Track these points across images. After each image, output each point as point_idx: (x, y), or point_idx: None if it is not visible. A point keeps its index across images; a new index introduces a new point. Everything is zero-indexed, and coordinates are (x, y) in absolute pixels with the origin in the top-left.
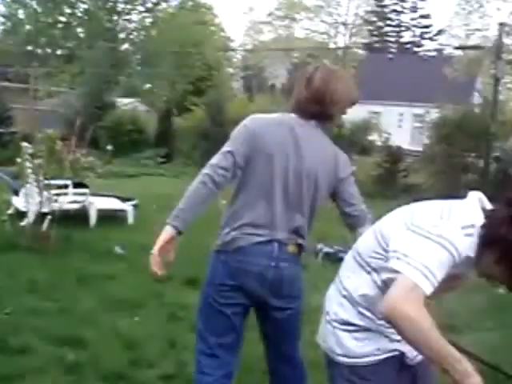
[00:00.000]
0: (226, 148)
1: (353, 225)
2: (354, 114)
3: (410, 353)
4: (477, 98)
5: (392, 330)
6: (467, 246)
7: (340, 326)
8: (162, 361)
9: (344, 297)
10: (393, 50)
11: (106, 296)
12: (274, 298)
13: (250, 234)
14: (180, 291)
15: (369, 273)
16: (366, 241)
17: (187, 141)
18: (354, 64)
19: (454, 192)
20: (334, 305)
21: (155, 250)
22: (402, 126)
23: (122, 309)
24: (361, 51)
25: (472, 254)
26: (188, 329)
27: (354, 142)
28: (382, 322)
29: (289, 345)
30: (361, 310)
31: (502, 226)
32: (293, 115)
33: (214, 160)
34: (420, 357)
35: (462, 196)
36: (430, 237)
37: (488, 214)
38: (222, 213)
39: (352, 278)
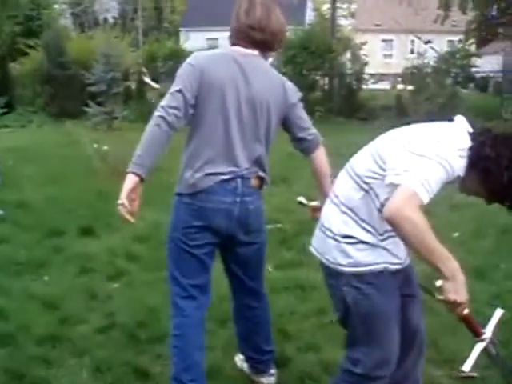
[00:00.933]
0: (174, 87)
1: (307, 149)
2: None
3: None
4: (309, 18)
5: (392, 246)
6: (460, 166)
7: (345, 240)
8: (90, 314)
9: (345, 214)
10: None
11: (4, 262)
12: (242, 233)
13: (213, 173)
14: (79, 243)
15: (367, 191)
16: (363, 161)
17: (29, 87)
18: None
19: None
20: (336, 221)
21: (123, 199)
22: None
23: (27, 271)
24: None
25: (462, 173)
26: (103, 278)
27: None
28: (383, 238)
29: (255, 280)
30: (365, 226)
31: (485, 147)
32: (234, 47)
33: (164, 101)
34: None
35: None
36: (429, 156)
37: (473, 137)
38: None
39: (351, 197)
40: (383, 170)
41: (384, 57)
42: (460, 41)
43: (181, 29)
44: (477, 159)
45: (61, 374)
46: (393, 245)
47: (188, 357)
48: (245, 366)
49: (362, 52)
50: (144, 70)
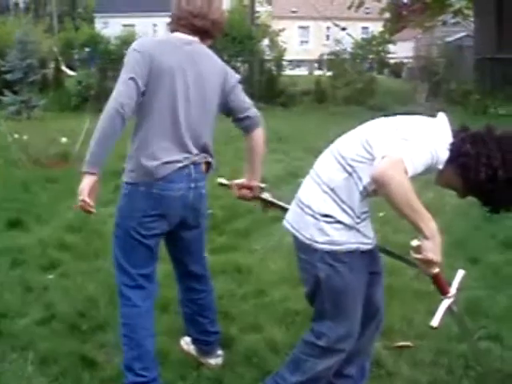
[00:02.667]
0: (124, 76)
1: (249, 127)
2: (111, 29)
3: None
4: (226, 3)
5: (365, 228)
6: (444, 158)
7: (323, 219)
8: (29, 307)
9: (326, 193)
10: None
11: None
12: (192, 218)
13: (170, 161)
14: (8, 236)
15: (350, 174)
16: (350, 144)
17: None
18: None
19: None
20: (317, 200)
21: (84, 197)
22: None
23: None
24: None
25: (441, 166)
26: (37, 270)
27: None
28: (359, 220)
29: (199, 263)
30: (344, 207)
31: (466, 144)
32: (176, 34)
33: (117, 92)
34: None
35: None
36: (417, 140)
37: (455, 134)
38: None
39: (334, 178)
40: (370, 154)
41: (301, 43)
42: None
43: (95, 14)
44: (457, 154)
45: (5, 368)
46: (365, 227)
47: (138, 345)
48: (191, 349)
49: (279, 38)
50: (59, 57)
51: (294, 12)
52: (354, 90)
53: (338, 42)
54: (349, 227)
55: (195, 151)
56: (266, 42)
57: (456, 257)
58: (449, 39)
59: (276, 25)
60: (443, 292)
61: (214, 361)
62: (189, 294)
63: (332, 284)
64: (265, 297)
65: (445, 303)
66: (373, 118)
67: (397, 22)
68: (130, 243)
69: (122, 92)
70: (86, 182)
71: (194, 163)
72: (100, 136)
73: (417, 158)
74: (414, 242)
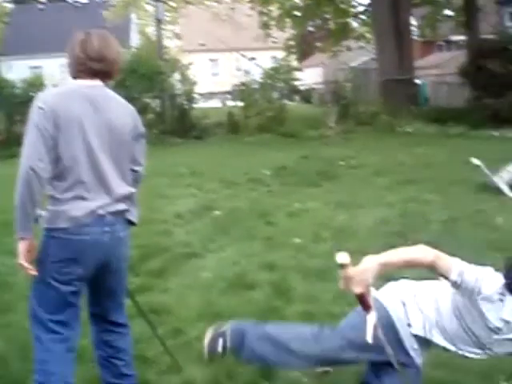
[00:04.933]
0: (30, 136)
1: (135, 180)
2: (16, 72)
3: None
4: (134, 40)
5: None
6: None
7: None
8: None
9: None
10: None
11: None
12: (112, 262)
13: (85, 207)
14: None
15: None
16: None
17: None
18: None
19: None
20: None
21: (23, 261)
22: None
23: None
24: (8, 4)
25: None
26: None
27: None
28: None
29: (117, 308)
30: None
31: None
32: (78, 81)
33: (25, 156)
34: None
35: None
36: None
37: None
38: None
39: None
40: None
41: (212, 75)
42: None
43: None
44: None
45: None
46: None
47: None
48: None
49: (190, 72)
50: None
51: (202, 45)
52: (266, 118)
53: (246, 72)
54: None
55: (114, 197)
56: (176, 76)
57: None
58: (354, 64)
59: (186, 59)
60: (365, 308)
61: None
62: (104, 335)
63: None
64: (183, 336)
65: (370, 319)
66: (285, 145)
67: (303, 50)
68: (45, 289)
69: (30, 155)
70: (21, 247)
71: (112, 208)
72: (19, 202)
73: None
74: (340, 259)
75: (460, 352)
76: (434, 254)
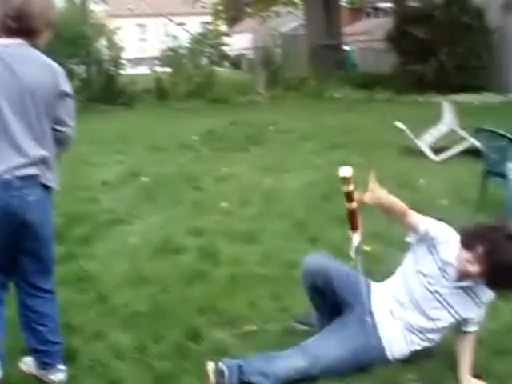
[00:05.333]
0: None
1: (60, 141)
2: None
3: None
4: (58, 3)
5: None
6: None
7: None
8: None
9: None
10: None
11: None
12: (27, 227)
13: None
14: None
15: None
16: None
17: None
18: None
19: None
20: None
21: None
22: None
23: None
24: None
25: None
26: None
27: None
28: None
29: (45, 278)
30: None
31: None
32: None
33: None
34: None
35: None
36: None
37: None
38: None
39: None
40: None
41: (140, 41)
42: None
43: None
44: None
45: None
46: None
47: None
48: (32, 368)
49: (117, 37)
50: None
51: (130, 10)
52: (195, 84)
53: (174, 37)
54: None
55: (22, 161)
56: (102, 41)
57: (296, 238)
58: (283, 29)
59: (113, 24)
60: (354, 227)
61: (56, 377)
62: (28, 300)
63: None
64: (108, 303)
65: (355, 238)
66: (214, 111)
67: (232, 15)
68: None
69: None
70: None
71: (19, 173)
72: None
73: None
74: (343, 172)
75: (433, 325)
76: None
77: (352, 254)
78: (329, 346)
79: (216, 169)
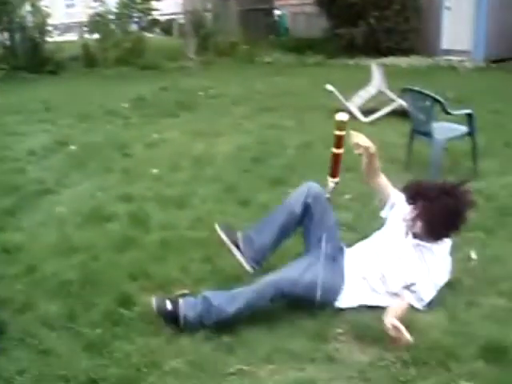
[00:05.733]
0: None
1: None
2: None
3: None
4: None
5: None
6: None
7: None
8: None
9: None
10: None
11: None
12: None
13: None
14: None
15: None
16: None
17: None
18: None
19: None
20: None
21: None
22: None
23: None
24: None
25: None
26: None
27: None
28: None
29: None
30: None
31: None
32: None
33: None
34: None
35: None
36: None
37: None
38: None
39: None
40: None
41: (67, 7)
42: None
43: None
44: None
45: None
46: None
47: None
48: None
49: (42, 3)
50: None
51: None
52: (124, 50)
53: (102, 2)
54: None
55: None
56: (26, 7)
57: (227, 202)
58: None
59: None
60: (334, 174)
61: None
62: None
63: None
64: (36, 273)
65: (331, 184)
66: (144, 77)
67: None
68: None
69: None
70: None
71: None
72: None
73: None
74: (340, 116)
75: (387, 287)
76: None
77: (327, 194)
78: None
79: (146, 135)
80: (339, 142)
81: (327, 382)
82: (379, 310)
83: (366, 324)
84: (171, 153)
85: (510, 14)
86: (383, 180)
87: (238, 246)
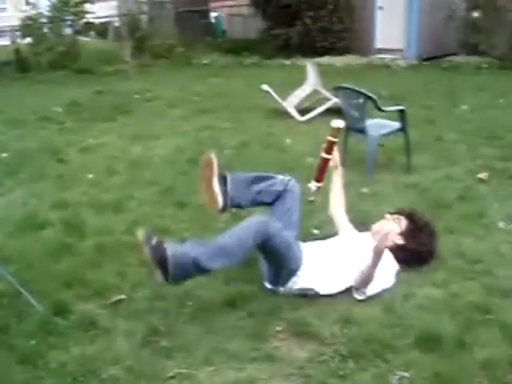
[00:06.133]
0: None
1: None
2: None
3: None
4: None
5: None
6: None
7: None
8: None
9: None
10: None
11: None
12: None
13: None
14: None
15: None
16: None
17: None
18: None
19: None
20: None
21: None
22: None
23: None
24: None
25: None
26: None
27: None
28: None
29: None
30: None
31: None
32: None
33: None
34: None
35: None
36: None
37: None
38: None
39: None
40: None
41: None
42: None
43: None
44: None
45: None
46: None
47: None
48: None
49: None
50: None
51: None
52: (57, 54)
53: (33, 5)
54: None
55: None
56: None
57: (164, 204)
58: None
59: None
60: (318, 179)
61: None
62: None
63: None
64: None
65: (313, 187)
66: (79, 81)
67: None
68: None
69: None
70: None
71: None
72: None
73: None
74: (336, 123)
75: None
76: None
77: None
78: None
79: (81, 140)
80: (330, 147)
81: (267, 381)
82: (317, 305)
83: (305, 320)
84: (107, 157)
85: (440, 12)
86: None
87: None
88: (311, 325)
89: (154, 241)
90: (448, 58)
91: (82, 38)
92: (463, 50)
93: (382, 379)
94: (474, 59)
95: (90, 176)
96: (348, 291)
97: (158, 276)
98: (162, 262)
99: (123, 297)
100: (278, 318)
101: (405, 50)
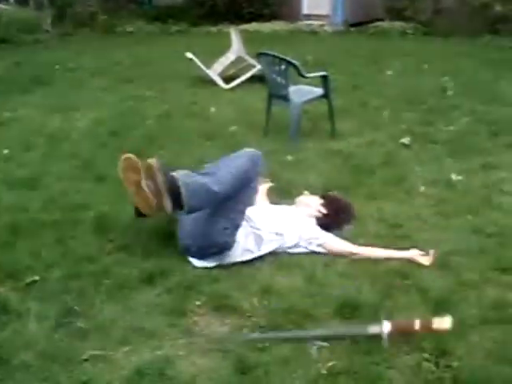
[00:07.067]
0: None
1: None
2: None
3: None
4: None
5: None
6: None
7: None
8: None
9: None
10: None
11: None
12: None
13: None
14: None
15: None
16: None
17: None
18: None
19: None
20: None
21: None
22: None
23: None
24: None
25: None
26: None
27: None
28: None
29: None
30: None
31: None
32: None
33: None
34: None
35: None
36: None
37: None
38: None
39: None
40: None
41: None
42: None
43: None
44: None
45: None
46: None
47: None
48: None
49: None
50: None
51: None
52: None
53: None
54: None
55: None
56: None
57: (83, 179)
58: None
59: None
60: None
61: None
62: None
63: None
64: None
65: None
66: None
67: None
68: None
69: None
70: None
71: None
72: None
73: None
74: None
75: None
76: None
77: None
78: None
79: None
80: None
81: (186, 358)
82: (237, 277)
83: (225, 293)
84: (24, 131)
85: None
86: None
87: None
88: (231, 297)
89: (166, 170)
90: (375, 24)
91: (1, 6)
92: (390, 16)
93: (301, 350)
94: (400, 25)
95: (5, 151)
96: (268, 262)
97: (168, 205)
98: (174, 190)
99: (36, 278)
100: (197, 292)
101: (331, 15)
